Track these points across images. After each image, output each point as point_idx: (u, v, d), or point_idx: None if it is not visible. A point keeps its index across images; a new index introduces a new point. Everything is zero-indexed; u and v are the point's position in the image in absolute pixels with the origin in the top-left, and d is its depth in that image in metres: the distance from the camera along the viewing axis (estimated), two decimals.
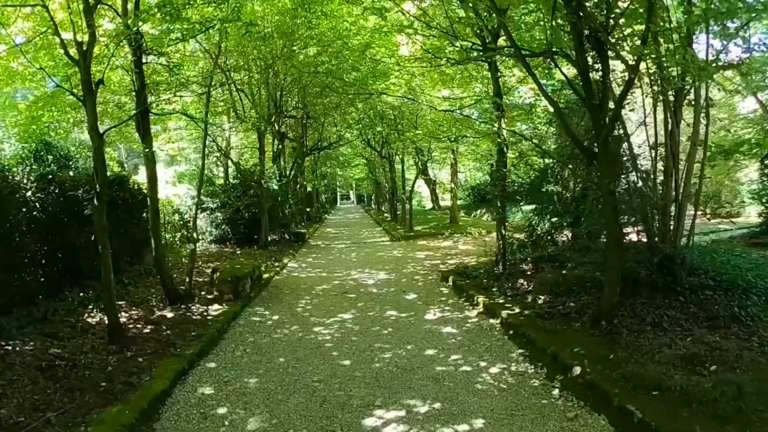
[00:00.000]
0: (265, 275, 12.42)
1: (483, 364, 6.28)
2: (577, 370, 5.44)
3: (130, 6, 7.98)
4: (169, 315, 8.52)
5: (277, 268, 14.14)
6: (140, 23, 7.52)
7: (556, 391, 5.36)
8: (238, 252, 16.48)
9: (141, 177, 15.37)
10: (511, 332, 7.36)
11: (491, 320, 8.16)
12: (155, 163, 9.59)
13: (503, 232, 11.09)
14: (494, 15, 8.45)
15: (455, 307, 9.31)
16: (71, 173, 10.01)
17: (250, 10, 10.91)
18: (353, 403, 5.22)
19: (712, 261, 7.60)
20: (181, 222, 17.56)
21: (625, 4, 7.07)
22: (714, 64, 7.19)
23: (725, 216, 24.08)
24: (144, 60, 8.92)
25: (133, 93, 9.26)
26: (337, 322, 8.55)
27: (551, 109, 12.63)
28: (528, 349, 6.64)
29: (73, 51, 6.83)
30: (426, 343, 7.23)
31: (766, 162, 16.50)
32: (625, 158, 8.59)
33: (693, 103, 7.74)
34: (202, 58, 14.72)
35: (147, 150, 9.09)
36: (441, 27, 9.62)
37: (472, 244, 18.55)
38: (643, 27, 7.47)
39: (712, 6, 6.66)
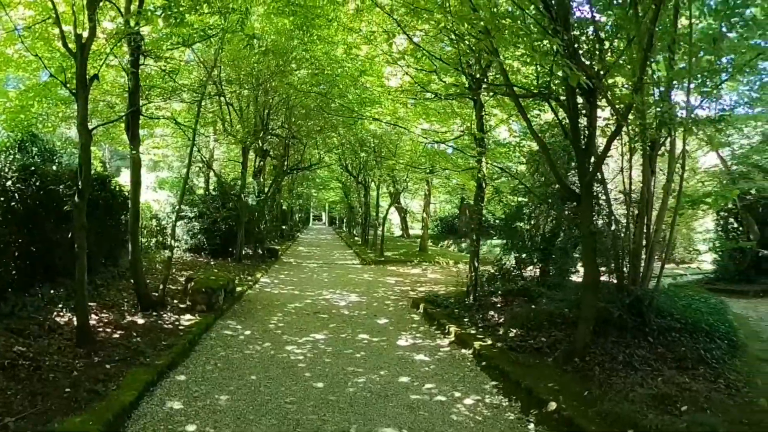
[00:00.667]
0: (238, 288, 11.99)
1: (457, 394, 6.01)
2: (553, 405, 5.22)
3: (133, 7, 7.67)
4: (140, 321, 8.06)
5: (250, 282, 13.68)
6: (142, 22, 7.20)
7: (531, 426, 5.13)
8: (212, 263, 15.99)
9: (123, 179, 14.89)
10: (483, 363, 7.09)
11: (463, 350, 7.89)
12: (141, 166, 9.18)
13: (476, 264, 10.91)
14: (485, 54, 8.39)
15: (427, 335, 9.01)
16: (54, 167, 9.52)
17: (249, 26, 10.68)
18: (327, 429, 4.87)
19: (676, 304, 7.63)
20: (158, 227, 17.02)
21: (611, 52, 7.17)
22: (691, 118, 7.29)
23: (679, 262, 24.65)
24: (141, 62, 8.60)
25: (126, 94, 8.91)
26: (310, 342, 8.18)
27: (527, 150, 12.79)
28: (501, 381, 6.40)
29: (71, 45, 6.49)
30: (399, 369, 6.91)
31: (722, 214, 16.95)
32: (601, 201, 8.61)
33: (668, 153, 7.79)
34: (196, 68, 14.40)
35: (134, 152, 8.71)
36: (433, 56, 9.47)
37: (441, 273, 18.34)
38: (627, 77, 7.60)
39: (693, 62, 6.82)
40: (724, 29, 6.89)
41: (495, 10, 7.45)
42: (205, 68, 12.52)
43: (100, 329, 7.24)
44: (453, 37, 8.87)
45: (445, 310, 10.37)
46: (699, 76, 7.13)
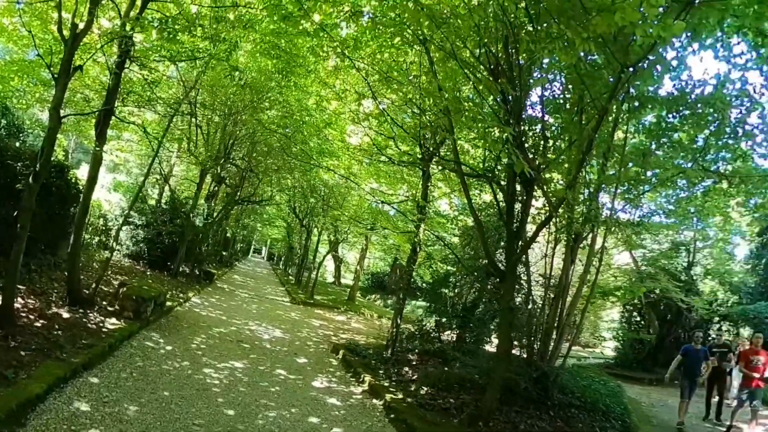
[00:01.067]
0: (169, 303, 11.38)
1: None
2: None
3: (133, 13, 7.52)
4: (66, 315, 7.47)
5: (182, 300, 13.03)
6: (138, 29, 7.05)
7: None
8: (149, 273, 15.19)
9: (81, 173, 14.18)
10: (392, 416, 6.92)
11: (375, 400, 7.69)
12: (101, 164, 8.76)
13: (398, 321, 10.84)
14: (441, 131, 8.64)
15: (342, 381, 8.75)
16: (18, 144, 8.96)
17: (234, 58, 10.66)
18: None
19: (578, 383, 7.83)
20: (104, 227, 16.12)
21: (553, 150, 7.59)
22: (613, 220, 7.72)
23: (584, 345, 25.59)
24: (126, 65, 8.37)
25: (104, 92, 8.62)
26: (228, 369, 7.78)
27: (462, 224, 13.10)
28: None
29: (66, 32, 6.27)
30: (311, 409, 6.65)
31: (628, 307, 17.88)
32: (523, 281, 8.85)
33: (589, 247, 8.17)
34: (176, 84, 14.15)
35: (98, 149, 8.32)
36: (395, 123, 9.64)
37: (364, 324, 18.13)
38: (563, 174, 8.00)
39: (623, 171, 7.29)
40: (653, 147, 7.51)
41: (458, 93, 7.77)
42: (184, 87, 12.30)
43: (24, 314, 6.67)
44: (416, 110, 9.11)
45: (363, 359, 10.16)
46: (626, 184, 7.63)
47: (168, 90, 14.21)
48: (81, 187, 9.55)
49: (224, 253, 32.91)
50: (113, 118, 8.75)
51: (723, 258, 18.66)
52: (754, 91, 6.76)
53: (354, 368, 9.43)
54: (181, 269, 16.83)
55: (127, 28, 6.93)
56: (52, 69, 6.64)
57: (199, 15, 8.54)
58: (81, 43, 6.51)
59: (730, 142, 7.23)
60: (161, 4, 8.40)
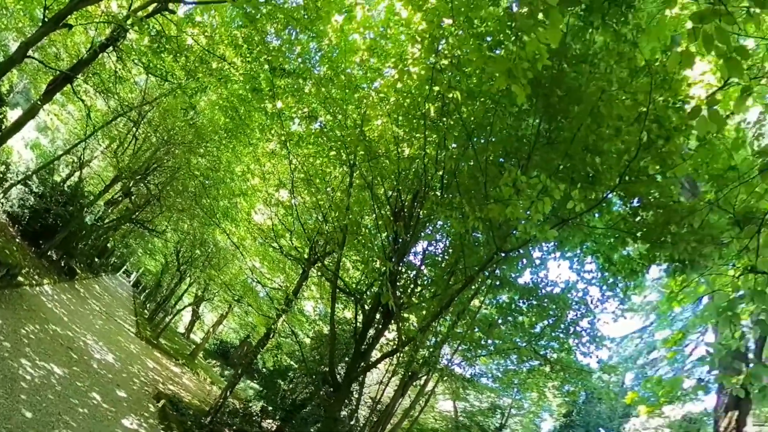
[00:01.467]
0: (20, 278, 10.19)
1: None
2: None
3: (140, 13, 7.63)
4: None
5: (34, 282, 11.68)
6: (136, 28, 7.13)
7: None
8: (18, 240, 13.56)
9: (11, 114, 13.09)
10: None
11: None
12: (33, 117, 8.29)
13: (228, 393, 10.33)
14: (333, 243, 9.02)
15: (152, 430, 8.04)
16: None
17: (197, 98, 10.76)
18: None
19: None
20: (1, 174, 14.53)
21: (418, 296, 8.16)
22: (449, 370, 8.26)
23: None
24: (108, 50, 8.30)
25: (75, 60, 8.39)
26: (46, 370, 7.00)
27: (317, 329, 13.17)
28: None
29: None
30: None
31: None
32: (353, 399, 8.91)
33: (420, 387, 8.54)
34: (136, 91, 13.86)
35: (39, 103, 7.99)
36: (299, 221, 9.91)
37: (195, 383, 16.95)
38: (418, 319, 8.51)
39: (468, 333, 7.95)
40: (499, 321, 8.39)
41: (360, 219, 8.35)
42: (143, 98, 12.13)
43: None
44: (320, 217, 9.49)
45: (181, 416, 9.49)
46: (468, 344, 8.30)
47: (129, 93, 13.86)
48: (4, 128, 8.88)
49: (96, 260, 30.19)
50: (69, 85, 8.47)
51: (530, 428, 19.97)
52: (591, 302, 8.02)
53: (169, 422, 8.76)
54: (49, 253, 15.25)
55: (129, 21, 7.02)
56: (47, 12, 6.53)
57: (190, 48, 8.78)
58: (83, 9, 6.52)
59: (562, 336, 8.34)
60: (164, 20, 8.63)
